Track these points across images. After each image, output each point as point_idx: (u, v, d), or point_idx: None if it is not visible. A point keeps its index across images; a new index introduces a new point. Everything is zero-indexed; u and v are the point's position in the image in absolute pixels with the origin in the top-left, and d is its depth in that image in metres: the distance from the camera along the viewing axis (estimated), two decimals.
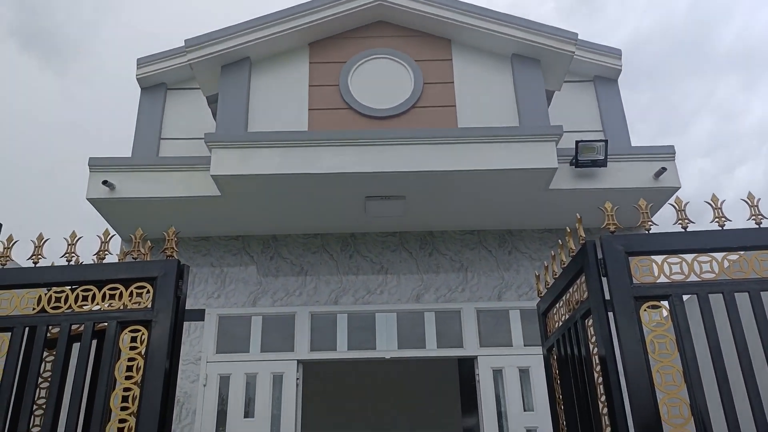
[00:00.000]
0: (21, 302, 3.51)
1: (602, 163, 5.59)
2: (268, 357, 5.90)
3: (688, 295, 3.31)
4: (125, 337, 3.39)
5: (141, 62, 6.69)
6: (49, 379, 3.41)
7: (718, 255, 3.36)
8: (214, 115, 6.24)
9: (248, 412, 5.70)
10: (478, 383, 5.83)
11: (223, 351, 5.95)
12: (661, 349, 3.18)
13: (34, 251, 3.61)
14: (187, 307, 3.62)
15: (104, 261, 3.64)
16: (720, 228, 3.41)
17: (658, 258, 3.38)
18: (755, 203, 3.45)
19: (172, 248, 3.64)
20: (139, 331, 3.39)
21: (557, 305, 4.13)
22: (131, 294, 3.50)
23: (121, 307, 3.46)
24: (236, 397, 5.72)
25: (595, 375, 3.44)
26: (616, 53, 6.75)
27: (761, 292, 3.23)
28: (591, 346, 3.50)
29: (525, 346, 5.93)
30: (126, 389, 3.26)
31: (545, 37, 5.80)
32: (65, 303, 3.48)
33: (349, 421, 9.19)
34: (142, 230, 3.74)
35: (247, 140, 5.46)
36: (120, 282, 3.52)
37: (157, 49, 6.77)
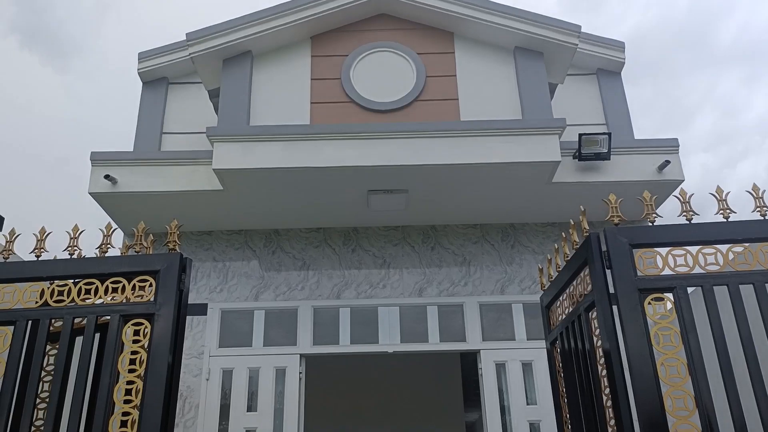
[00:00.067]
0: (24, 296, 3.51)
1: (605, 156, 5.56)
2: (271, 351, 5.90)
3: (693, 288, 3.30)
4: (128, 330, 3.39)
5: (142, 56, 6.67)
6: (52, 373, 3.41)
7: (723, 247, 3.34)
8: (216, 109, 6.23)
9: (251, 406, 5.70)
10: (481, 377, 5.82)
11: (225, 345, 5.95)
12: (666, 341, 3.17)
13: (36, 245, 3.61)
14: (190, 301, 3.62)
15: (107, 255, 3.64)
16: (725, 220, 3.40)
17: (663, 250, 3.37)
18: (760, 195, 3.44)
19: (175, 241, 3.64)
20: (141, 324, 3.39)
21: (560, 298, 4.12)
22: (134, 287, 3.50)
23: (124, 301, 3.47)
24: (239, 391, 5.72)
25: (599, 368, 3.43)
26: (620, 46, 6.72)
27: (766, 284, 3.22)
28: (595, 339, 3.49)
29: (528, 339, 5.92)
30: (129, 382, 3.26)
31: (548, 30, 5.77)
32: (68, 296, 3.49)
33: (352, 415, 9.20)
34: (144, 224, 3.73)
35: (249, 134, 5.44)
36: (122, 275, 3.52)
37: (159, 44, 6.75)
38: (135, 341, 3.35)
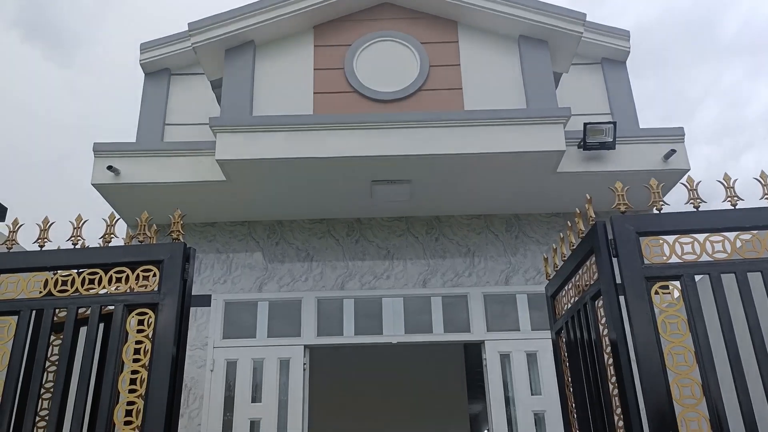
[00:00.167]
0: (27, 286, 3.50)
1: (611, 146, 5.53)
2: (275, 342, 5.90)
3: (700, 276, 3.28)
4: (132, 320, 3.38)
5: (144, 47, 6.64)
6: (57, 363, 3.40)
7: (731, 234, 3.31)
8: (219, 99, 6.20)
9: (255, 397, 5.70)
10: (486, 368, 5.81)
11: (229, 336, 5.94)
12: (673, 329, 3.15)
13: (39, 235, 3.60)
14: (194, 293, 3.60)
15: (110, 244, 3.62)
16: (732, 207, 3.37)
17: (670, 238, 3.34)
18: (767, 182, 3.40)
19: (178, 231, 3.62)
20: (146, 314, 3.38)
21: (566, 288, 4.09)
22: (138, 277, 3.49)
23: (128, 291, 3.46)
24: (243, 382, 5.72)
25: (605, 357, 3.41)
26: (624, 35, 6.66)
27: None
28: (601, 328, 3.47)
29: (532, 330, 5.90)
30: (134, 372, 3.25)
31: (553, 18, 5.72)
32: (71, 286, 3.48)
33: (355, 406, 9.21)
34: (147, 214, 3.71)
35: (252, 124, 5.42)
36: (126, 265, 3.51)
37: (161, 36, 6.70)
38: (139, 331, 3.34)
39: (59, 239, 3.66)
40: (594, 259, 3.53)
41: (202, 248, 6.24)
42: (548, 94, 5.65)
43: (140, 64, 6.68)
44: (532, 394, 5.68)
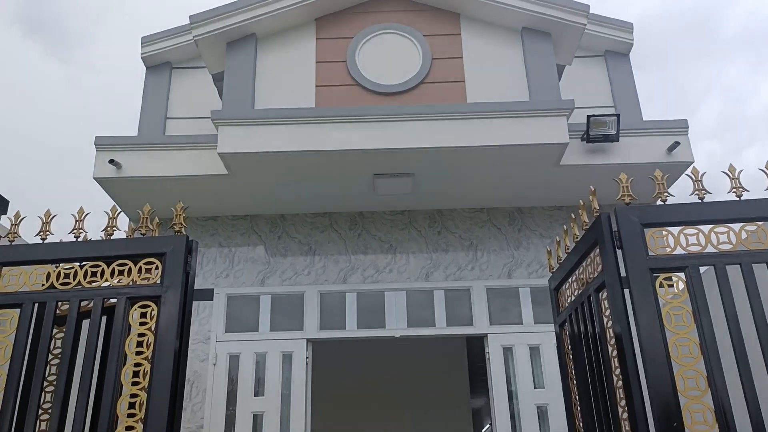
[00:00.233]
0: (30, 279, 3.49)
1: (614, 138, 5.50)
2: (278, 336, 5.88)
3: (705, 267, 3.26)
4: (135, 313, 3.37)
5: (145, 41, 6.62)
6: (60, 356, 3.40)
7: (736, 226, 3.30)
8: (220, 93, 6.18)
9: (258, 391, 5.69)
10: (489, 361, 5.80)
11: (232, 330, 5.94)
12: (678, 321, 3.14)
13: (41, 227, 3.59)
14: (196, 287, 3.59)
15: (112, 237, 3.61)
16: (737, 198, 3.35)
17: (674, 230, 3.32)
18: None
19: (181, 224, 3.61)
20: (148, 306, 3.37)
21: (570, 280, 4.08)
22: (140, 270, 3.48)
23: (130, 283, 3.45)
24: (246, 375, 5.72)
25: (609, 348, 3.40)
26: (628, 27, 6.64)
27: None
28: (605, 320, 3.45)
29: (535, 323, 5.89)
30: (136, 365, 3.25)
31: (556, 10, 5.68)
32: (74, 279, 3.47)
33: (358, 401, 9.22)
34: (149, 206, 3.70)
35: (253, 117, 5.40)
36: (129, 258, 3.50)
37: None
38: (142, 323, 3.34)
39: (61, 234, 3.66)
40: (598, 251, 3.51)
41: (204, 242, 6.23)
42: (551, 86, 5.62)
43: (141, 58, 6.66)
44: (535, 388, 5.67)
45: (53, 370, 3.44)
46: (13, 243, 3.58)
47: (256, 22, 5.77)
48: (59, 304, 3.47)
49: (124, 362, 3.27)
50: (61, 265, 3.52)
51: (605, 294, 3.43)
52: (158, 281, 3.42)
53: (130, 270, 3.47)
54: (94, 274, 3.48)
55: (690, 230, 3.30)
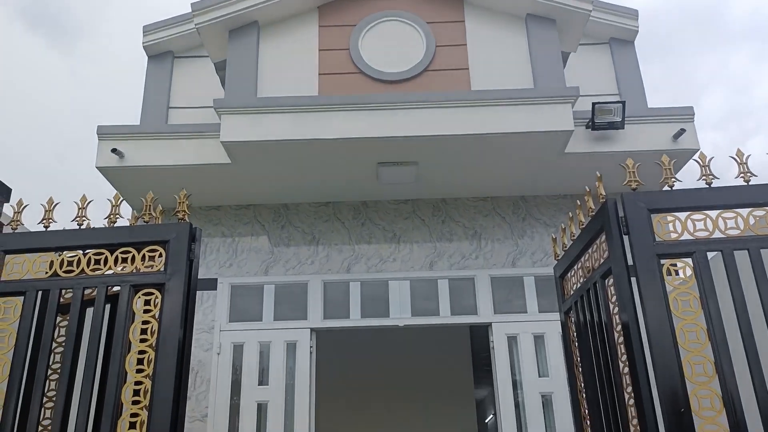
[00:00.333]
0: (33, 266, 3.48)
1: (619, 126, 5.46)
2: (282, 325, 5.88)
3: (713, 253, 3.23)
4: (138, 300, 3.36)
5: (147, 29, 6.58)
6: (63, 344, 3.39)
7: (744, 211, 3.27)
8: (223, 82, 6.14)
9: (262, 380, 5.69)
10: (493, 350, 5.79)
11: (236, 320, 5.93)
12: (685, 307, 3.12)
13: (44, 215, 3.57)
14: (199, 276, 3.57)
15: (115, 225, 3.59)
16: (745, 183, 3.32)
17: (682, 215, 3.30)
18: None
19: (184, 211, 3.59)
20: (152, 294, 3.36)
21: (575, 267, 4.05)
22: (144, 258, 3.47)
23: (134, 271, 3.43)
24: (250, 365, 5.72)
25: (616, 335, 3.37)
26: (633, 14, 6.57)
27: None
28: (611, 307, 3.43)
29: (540, 312, 5.87)
30: (141, 352, 3.24)
31: None
32: (77, 267, 3.46)
33: (361, 391, 9.22)
34: (152, 194, 3.68)
35: (256, 106, 5.37)
36: (132, 245, 3.48)
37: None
38: (146, 311, 3.32)
39: (63, 224, 3.65)
40: (604, 237, 3.49)
41: (207, 232, 6.22)
42: (556, 73, 5.58)
43: (143, 47, 6.62)
44: (539, 376, 5.66)
45: (57, 358, 3.43)
46: (15, 231, 3.56)
47: (259, 9, 5.73)
48: (63, 292, 3.45)
49: (129, 350, 3.26)
50: (64, 252, 3.50)
51: (611, 281, 3.40)
52: (162, 269, 3.40)
53: (133, 258, 3.46)
54: (97, 261, 3.46)
55: (697, 216, 3.27)
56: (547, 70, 5.58)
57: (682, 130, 5.48)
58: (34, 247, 3.52)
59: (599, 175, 3.66)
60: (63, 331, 3.48)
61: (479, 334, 8.62)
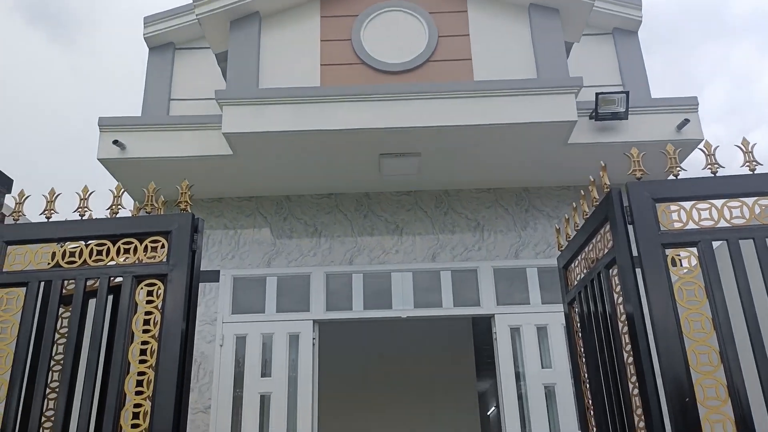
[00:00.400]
0: (35, 257, 3.46)
1: (623, 116, 5.43)
2: (284, 317, 5.87)
3: (718, 242, 3.21)
4: (141, 291, 3.35)
5: (148, 21, 6.55)
6: (66, 335, 3.38)
7: (749, 200, 3.24)
8: (224, 74, 6.12)
9: (265, 372, 5.69)
10: (496, 341, 5.78)
11: (238, 311, 5.93)
12: (690, 296, 3.10)
13: (46, 206, 3.56)
14: (202, 268, 3.56)
15: (117, 216, 3.58)
16: (751, 172, 3.30)
17: (687, 204, 3.27)
18: None
19: (186, 201, 3.58)
20: (155, 285, 3.35)
21: (579, 257, 4.04)
22: (146, 248, 3.45)
23: (136, 262, 3.42)
24: (253, 356, 5.72)
25: (620, 325, 3.36)
26: (636, 3, 6.53)
27: None
28: (615, 296, 3.41)
29: (543, 304, 5.86)
30: (144, 343, 3.23)
31: None
32: (80, 258, 3.44)
33: (364, 383, 9.23)
34: (154, 185, 3.66)
35: (258, 97, 5.35)
36: (134, 236, 3.47)
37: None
38: (148, 302, 3.31)
39: (65, 215, 3.63)
40: (608, 227, 3.47)
41: (209, 224, 6.20)
42: (559, 63, 5.54)
43: (144, 38, 6.60)
44: (542, 368, 5.65)
45: (60, 349, 3.43)
46: (17, 222, 3.55)
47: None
48: (65, 282, 3.44)
49: (131, 340, 3.25)
50: (66, 243, 3.49)
51: (616, 271, 3.38)
52: (164, 259, 3.39)
53: (135, 248, 3.44)
54: (99, 252, 3.45)
55: (702, 205, 3.25)
56: (550, 60, 5.55)
57: (686, 121, 5.45)
58: (36, 237, 3.51)
59: (603, 164, 3.64)
60: (65, 323, 3.48)
61: (481, 327, 8.62)
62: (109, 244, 3.46)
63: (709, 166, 3.32)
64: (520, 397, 5.63)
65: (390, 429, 9.07)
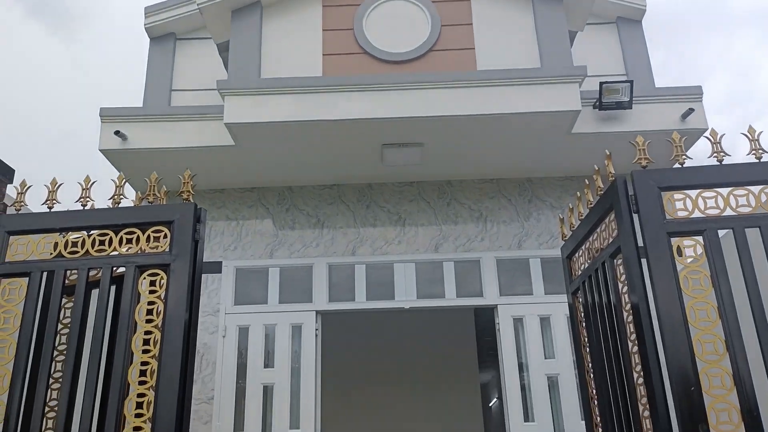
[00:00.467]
0: (38, 247, 3.46)
1: (627, 105, 5.39)
2: (287, 308, 5.87)
3: (724, 231, 3.19)
4: (144, 281, 3.34)
5: (149, 11, 6.51)
6: (69, 325, 3.38)
7: (755, 188, 3.22)
8: (226, 64, 6.08)
9: (268, 363, 5.69)
10: (499, 332, 5.77)
11: (241, 303, 5.92)
12: (695, 285, 3.08)
13: (48, 196, 3.55)
14: (204, 259, 3.55)
15: (120, 206, 3.57)
16: (757, 160, 3.27)
17: (692, 193, 3.25)
18: None
19: (189, 191, 3.57)
20: (157, 275, 3.34)
21: (583, 247, 4.02)
22: (148, 238, 3.44)
23: (139, 252, 3.41)
24: (255, 347, 5.71)
25: (625, 314, 3.35)
26: None
27: None
28: (620, 286, 3.40)
29: (546, 294, 5.85)
30: (147, 332, 3.22)
31: None
32: (82, 248, 3.44)
33: (366, 373, 9.23)
34: (156, 175, 3.65)
35: (260, 87, 5.32)
36: (137, 226, 3.46)
37: None
38: (151, 292, 3.31)
39: (67, 205, 3.62)
40: (613, 216, 3.45)
41: (211, 215, 6.19)
42: (563, 53, 5.50)
43: (145, 29, 6.56)
44: (545, 358, 5.64)
45: (63, 339, 3.42)
46: (19, 212, 3.54)
47: None
48: (68, 273, 3.44)
49: (134, 330, 3.25)
50: (69, 234, 3.48)
51: (621, 260, 3.37)
52: (167, 249, 3.38)
53: (138, 238, 3.44)
54: (102, 242, 3.44)
55: (708, 193, 3.23)
56: (553, 49, 5.51)
57: (691, 110, 5.42)
58: (38, 228, 3.50)
59: (608, 153, 3.61)
60: (68, 313, 3.47)
61: (484, 318, 8.62)
62: (112, 234, 3.45)
63: (715, 154, 3.30)
64: (523, 387, 5.62)
65: (392, 420, 9.09)
